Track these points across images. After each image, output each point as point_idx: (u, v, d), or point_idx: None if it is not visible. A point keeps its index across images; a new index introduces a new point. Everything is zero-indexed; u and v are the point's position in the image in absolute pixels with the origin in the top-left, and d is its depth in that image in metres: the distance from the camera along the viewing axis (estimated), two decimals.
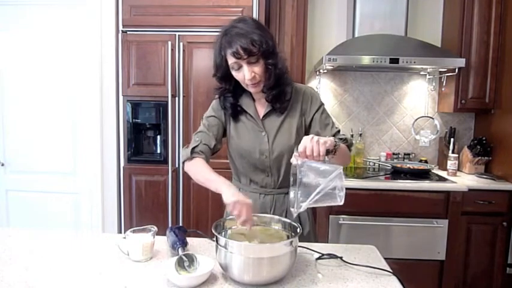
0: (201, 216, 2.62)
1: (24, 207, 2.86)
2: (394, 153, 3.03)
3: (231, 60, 1.30)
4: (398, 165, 2.82)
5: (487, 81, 2.68)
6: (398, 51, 2.53)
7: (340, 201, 1.07)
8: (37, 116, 2.79)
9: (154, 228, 1.27)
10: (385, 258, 1.26)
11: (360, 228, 2.44)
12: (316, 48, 2.99)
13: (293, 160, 1.12)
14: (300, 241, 1.18)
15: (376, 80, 3.05)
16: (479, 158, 2.73)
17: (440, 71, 2.88)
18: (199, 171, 1.34)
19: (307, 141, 1.11)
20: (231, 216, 1.25)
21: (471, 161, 2.76)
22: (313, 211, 1.56)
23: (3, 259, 1.21)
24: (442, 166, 2.92)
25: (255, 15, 2.48)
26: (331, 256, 1.24)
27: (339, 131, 1.44)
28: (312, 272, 1.15)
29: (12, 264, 1.18)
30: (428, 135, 2.99)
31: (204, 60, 2.54)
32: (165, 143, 2.62)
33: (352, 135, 3.00)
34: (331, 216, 2.45)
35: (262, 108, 1.44)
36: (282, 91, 1.39)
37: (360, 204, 2.43)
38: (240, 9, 2.49)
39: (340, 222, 2.44)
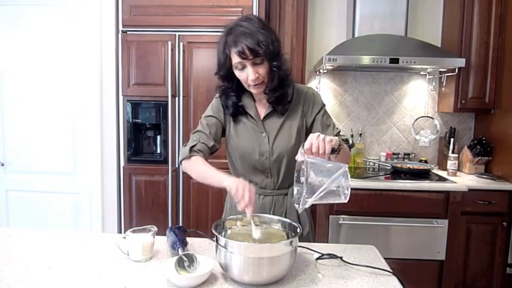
0: (201, 216, 2.62)
1: (24, 207, 2.86)
2: (394, 153, 3.03)
3: (235, 59, 1.29)
4: (398, 165, 2.82)
5: (487, 81, 2.68)
6: (398, 51, 2.53)
7: (344, 199, 1.07)
8: (37, 116, 2.79)
9: (154, 228, 1.27)
10: (385, 258, 1.26)
11: (360, 228, 2.44)
12: (316, 48, 2.99)
13: (298, 157, 1.12)
14: (299, 241, 1.18)
15: (376, 80, 3.05)
16: (479, 158, 2.73)
17: (440, 71, 2.88)
18: (199, 169, 1.34)
19: (313, 139, 1.11)
20: (231, 216, 1.26)
21: (471, 161, 2.76)
22: (312, 212, 1.56)
23: (3, 259, 1.21)
24: (442, 166, 2.92)
25: None
26: (331, 256, 1.24)
27: (339, 132, 1.44)
28: (312, 272, 1.15)
29: (12, 264, 1.18)
30: (428, 135, 2.99)
31: (204, 60, 2.54)
32: (165, 143, 2.62)
33: (352, 135, 3.00)
34: (331, 216, 2.45)
35: (263, 109, 1.44)
36: (285, 93, 1.38)
37: (360, 204, 2.44)
38: (240, 9, 2.49)
39: (340, 222, 2.44)
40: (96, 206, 2.77)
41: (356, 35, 2.79)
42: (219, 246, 1.07)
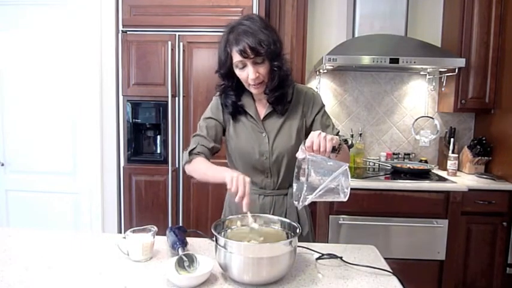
0: (201, 216, 2.62)
1: (24, 207, 2.86)
2: (394, 153, 3.03)
3: (236, 58, 1.29)
4: (399, 165, 2.82)
5: (487, 81, 2.68)
6: (398, 51, 2.53)
7: (344, 198, 1.07)
8: (37, 116, 2.79)
9: (154, 228, 1.27)
10: (385, 258, 1.26)
11: (360, 228, 2.44)
12: (316, 48, 2.99)
13: (299, 154, 1.12)
14: (299, 242, 1.18)
15: (376, 80, 3.05)
16: (479, 158, 2.73)
17: (440, 71, 2.88)
18: (200, 169, 1.35)
19: (314, 136, 1.12)
20: (230, 216, 1.26)
21: (471, 161, 2.76)
22: (312, 212, 1.56)
23: (3, 259, 1.21)
24: (442, 166, 2.92)
25: None
26: (331, 256, 1.24)
27: (338, 133, 1.44)
28: (312, 272, 1.15)
29: (12, 264, 1.18)
30: (428, 135, 2.99)
31: (204, 60, 2.54)
32: (165, 143, 2.62)
33: (352, 135, 3.00)
34: (331, 216, 2.45)
35: (262, 109, 1.44)
36: (284, 93, 1.38)
37: (360, 204, 2.43)
38: (240, 9, 2.49)
39: (340, 222, 2.44)
40: (96, 206, 2.77)
41: (356, 35, 2.79)
42: (218, 246, 1.07)
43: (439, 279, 2.48)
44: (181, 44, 2.52)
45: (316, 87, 2.99)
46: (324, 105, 1.47)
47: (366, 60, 2.50)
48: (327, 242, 2.28)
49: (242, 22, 1.30)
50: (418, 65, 2.58)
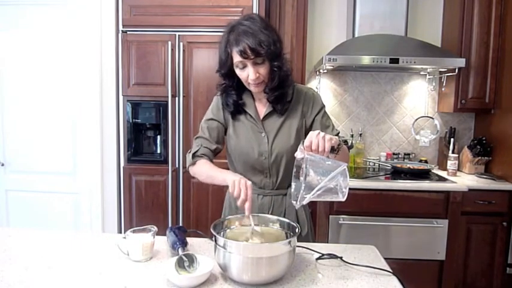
0: (201, 216, 2.62)
1: (24, 207, 2.86)
2: (394, 153, 3.03)
3: (236, 58, 1.29)
4: (399, 165, 2.82)
5: (487, 81, 2.68)
6: (398, 51, 2.53)
7: (342, 198, 1.07)
8: (37, 116, 2.79)
9: (154, 228, 1.27)
10: (385, 258, 1.26)
11: (360, 228, 2.44)
12: (316, 48, 2.99)
13: (298, 154, 1.12)
14: (298, 242, 1.18)
15: (376, 80, 3.05)
16: (479, 158, 2.73)
17: (440, 71, 2.88)
18: (204, 172, 1.36)
19: (313, 136, 1.12)
20: (230, 216, 1.26)
21: (471, 161, 2.76)
22: (312, 212, 1.56)
23: (3, 259, 1.21)
24: (442, 166, 2.92)
25: None
26: (331, 256, 1.24)
27: (338, 133, 1.44)
28: (312, 272, 1.15)
29: (12, 264, 1.18)
30: (428, 135, 2.99)
31: (204, 60, 2.54)
32: (165, 143, 2.62)
33: (352, 135, 3.00)
34: (331, 216, 2.45)
35: (262, 109, 1.44)
36: (284, 92, 1.39)
37: (360, 204, 2.43)
38: (240, 9, 2.49)
39: (340, 222, 2.44)
40: (96, 206, 2.77)
41: (356, 35, 2.79)
42: (217, 246, 1.07)
43: (439, 279, 2.48)
44: (181, 44, 2.52)
45: (316, 87, 2.99)
46: (324, 106, 1.47)
47: (366, 60, 2.50)
48: (327, 242, 2.28)
49: (242, 22, 1.30)
50: (418, 65, 2.58)
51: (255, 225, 1.17)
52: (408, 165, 2.83)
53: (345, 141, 1.35)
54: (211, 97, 1.52)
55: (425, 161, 2.96)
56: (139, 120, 2.63)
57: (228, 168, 1.54)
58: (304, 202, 1.08)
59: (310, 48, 2.93)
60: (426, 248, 2.45)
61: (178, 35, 2.53)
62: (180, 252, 1.17)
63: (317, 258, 1.24)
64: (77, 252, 1.28)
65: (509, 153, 2.54)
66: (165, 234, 1.34)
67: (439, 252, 2.45)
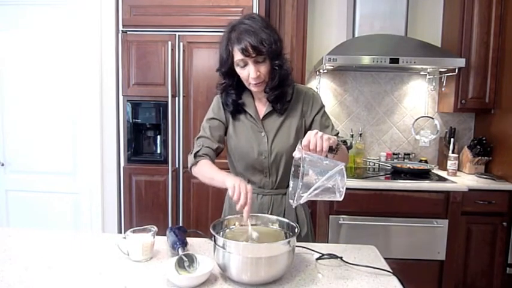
0: (201, 216, 2.62)
1: (24, 207, 2.86)
2: (394, 153, 3.03)
3: (237, 56, 1.29)
4: (399, 165, 2.82)
5: (487, 81, 2.68)
6: (398, 51, 2.53)
7: (339, 197, 1.07)
8: (37, 116, 2.79)
9: (154, 228, 1.27)
10: (385, 258, 1.26)
11: (360, 228, 2.44)
12: (316, 48, 2.99)
13: (296, 153, 1.12)
14: (298, 242, 1.18)
15: (376, 80, 3.05)
16: (479, 158, 2.73)
17: (440, 71, 2.88)
18: (204, 173, 1.35)
19: (311, 135, 1.12)
20: (229, 216, 1.26)
21: (471, 161, 2.76)
22: (312, 212, 1.56)
23: (3, 259, 1.21)
24: (442, 166, 2.92)
25: None
26: (331, 256, 1.24)
27: (338, 134, 1.44)
28: (312, 272, 1.15)
29: (12, 264, 1.18)
30: (428, 135, 2.99)
31: (204, 60, 2.54)
32: (165, 143, 2.62)
33: (352, 135, 3.00)
34: (331, 216, 2.45)
35: (262, 108, 1.44)
36: (284, 92, 1.39)
37: (360, 204, 2.43)
38: (240, 9, 2.49)
39: (340, 222, 2.44)
40: (96, 206, 2.77)
41: (356, 35, 2.79)
42: (217, 246, 1.07)
43: (439, 279, 2.48)
44: (181, 44, 2.52)
45: (316, 87, 2.99)
46: (323, 106, 1.48)
47: (366, 60, 2.50)
48: (327, 242, 2.28)
49: (243, 21, 1.30)
50: (418, 65, 2.58)
51: (252, 225, 1.17)
52: (408, 165, 2.83)
53: (344, 142, 1.35)
54: (211, 97, 1.52)
55: (425, 161, 2.96)
56: (139, 120, 2.63)
57: (228, 168, 1.54)
58: (301, 201, 1.08)
59: (310, 48, 2.93)
60: (426, 248, 2.45)
61: (178, 35, 2.53)
62: (180, 252, 1.17)
63: (317, 258, 1.24)
64: (77, 252, 1.28)
65: (509, 153, 2.54)
66: (165, 234, 1.34)
67: (439, 252, 2.45)
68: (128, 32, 2.57)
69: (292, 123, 1.43)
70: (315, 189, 1.06)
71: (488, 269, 2.52)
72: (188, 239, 1.32)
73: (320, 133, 1.13)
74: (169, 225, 2.21)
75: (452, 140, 2.81)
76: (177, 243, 1.22)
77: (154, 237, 1.25)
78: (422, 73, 3.00)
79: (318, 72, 2.96)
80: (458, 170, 2.80)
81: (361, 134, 3.02)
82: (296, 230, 1.14)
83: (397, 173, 2.74)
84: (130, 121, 2.62)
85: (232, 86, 1.40)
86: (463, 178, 2.65)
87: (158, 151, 2.70)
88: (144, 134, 2.70)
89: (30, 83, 2.78)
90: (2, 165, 2.86)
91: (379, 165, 2.94)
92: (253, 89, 1.36)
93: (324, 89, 3.05)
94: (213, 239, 1.09)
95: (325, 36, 3.02)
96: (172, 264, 1.08)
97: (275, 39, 1.30)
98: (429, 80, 3.01)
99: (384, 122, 3.08)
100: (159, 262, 1.21)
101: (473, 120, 3.03)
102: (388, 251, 2.40)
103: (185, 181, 2.61)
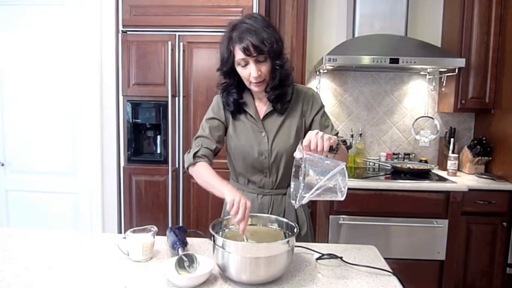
0: (201, 216, 2.62)
1: (24, 207, 2.86)
2: (394, 153, 3.03)
3: (239, 55, 1.29)
4: (399, 165, 2.82)
5: (487, 81, 2.68)
6: (398, 51, 2.53)
7: (341, 197, 1.07)
8: (37, 116, 2.79)
9: (154, 228, 1.27)
10: (385, 258, 1.26)
11: (360, 228, 2.44)
12: (316, 48, 2.99)
13: (297, 153, 1.12)
14: (297, 242, 1.18)
15: (376, 80, 3.05)
16: (479, 158, 2.73)
17: (440, 71, 2.88)
18: (203, 176, 1.34)
19: (312, 136, 1.12)
20: (228, 216, 1.25)
21: (471, 161, 2.76)
22: (312, 212, 1.56)
23: (3, 259, 1.21)
24: (442, 166, 2.92)
25: None
26: (331, 256, 1.24)
27: (337, 134, 1.44)
28: (312, 272, 1.15)
29: (12, 264, 1.18)
30: (428, 135, 2.99)
31: (204, 60, 2.54)
32: (165, 143, 2.62)
33: (352, 135, 3.00)
34: (331, 216, 2.45)
35: (262, 108, 1.44)
36: (285, 92, 1.39)
37: (360, 204, 2.43)
38: (240, 9, 2.49)
39: (340, 222, 2.44)
40: (96, 206, 2.77)
41: (356, 35, 2.79)
42: (216, 246, 1.07)
43: (439, 279, 2.48)
44: (181, 44, 2.52)
45: (316, 87, 2.99)
46: (323, 106, 1.48)
47: (366, 60, 2.50)
48: (327, 242, 2.28)
49: (244, 21, 1.31)
50: (418, 65, 2.58)
51: (251, 225, 1.17)
52: (408, 165, 2.83)
53: (344, 141, 1.35)
54: (211, 97, 1.52)
55: (425, 161, 2.96)
56: (139, 120, 2.63)
57: (227, 168, 1.54)
58: (303, 201, 1.08)
59: (310, 48, 2.93)
60: (426, 248, 2.45)
61: (178, 35, 2.53)
62: (180, 252, 1.17)
63: (317, 258, 1.24)
64: (77, 252, 1.28)
65: (509, 153, 2.54)
66: (165, 234, 1.34)
67: (439, 252, 2.45)
68: (128, 32, 2.57)
69: (293, 123, 1.43)
70: (317, 190, 1.06)
71: (488, 269, 2.52)
72: (188, 239, 1.32)
73: (320, 133, 1.13)
74: (169, 225, 2.20)
75: (452, 140, 2.81)
76: (177, 243, 1.22)
77: (154, 237, 1.25)
78: (422, 73, 3.00)
79: (318, 72, 2.96)
80: (458, 170, 2.80)
81: (361, 134, 3.02)
82: (295, 229, 1.14)
83: (397, 173, 2.74)
84: (130, 121, 2.62)
85: (233, 85, 1.40)
86: (463, 178, 2.65)
87: (158, 151, 2.70)
88: (144, 134, 2.70)
89: (30, 83, 2.78)
90: (2, 165, 2.86)
91: (379, 165, 2.94)
92: (253, 88, 1.36)
93: (324, 89, 3.05)
94: (212, 238, 1.09)
95: (325, 36, 3.02)
96: (172, 264, 1.09)
97: (276, 39, 1.30)
98: (429, 80, 3.01)
99: (384, 122, 3.08)
100: (159, 262, 1.21)
101: (473, 120, 3.03)
102: (388, 251, 2.40)
103: (185, 181, 2.61)
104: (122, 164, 2.66)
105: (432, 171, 2.80)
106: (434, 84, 3.02)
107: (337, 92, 3.07)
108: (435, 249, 2.45)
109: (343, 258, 1.22)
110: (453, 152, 2.78)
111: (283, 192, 1.46)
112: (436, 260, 2.46)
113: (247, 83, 1.36)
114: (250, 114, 1.43)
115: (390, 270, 1.17)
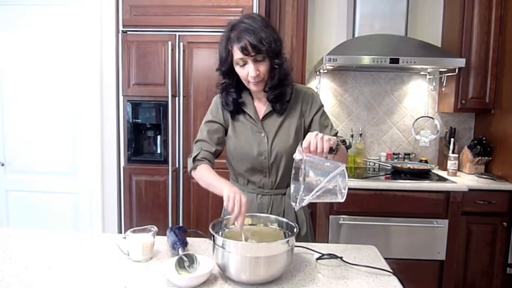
0: (201, 216, 2.62)
1: (24, 207, 2.86)
2: (394, 153, 3.03)
3: (237, 55, 1.29)
4: (399, 165, 2.82)
5: (487, 81, 2.68)
6: (399, 51, 2.53)
7: (341, 198, 1.07)
8: (37, 116, 2.79)
9: (155, 228, 1.27)
10: (385, 258, 1.26)
11: (360, 228, 2.44)
12: (316, 48, 2.99)
13: (296, 155, 1.12)
14: (297, 242, 1.18)
15: (376, 80, 3.05)
16: (479, 158, 2.73)
17: (440, 71, 2.88)
18: (204, 178, 1.36)
19: (311, 137, 1.12)
20: (228, 216, 1.26)
21: (471, 161, 2.76)
22: (312, 212, 1.56)
23: (3, 259, 1.21)
24: (442, 166, 2.92)
25: None
26: (331, 256, 1.24)
27: (337, 133, 1.44)
28: (312, 272, 1.15)
29: (12, 264, 1.18)
30: (429, 135, 2.99)
31: (204, 60, 2.54)
32: (165, 143, 2.62)
33: (352, 135, 3.00)
34: (331, 216, 2.45)
35: (261, 109, 1.44)
36: (284, 91, 1.39)
37: (360, 204, 2.43)
38: (240, 9, 2.49)
39: (340, 222, 2.44)
40: (96, 206, 2.77)
41: (356, 35, 2.79)
42: (216, 245, 1.07)
43: (439, 279, 2.48)
44: (181, 44, 2.52)
45: (316, 87, 2.99)
46: (322, 106, 1.48)
47: (366, 60, 2.50)
48: (327, 242, 2.28)
49: (243, 20, 1.31)
50: (418, 65, 2.58)
51: (251, 224, 1.17)
52: (408, 165, 2.83)
53: (343, 141, 1.35)
54: (211, 97, 1.52)
55: (426, 161, 2.96)
56: (139, 120, 2.63)
57: (227, 168, 1.54)
58: (304, 203, 1.08)
59: (310, 48, 2.93)
60: (426, 248, 2.45)
61: (178, 35, 2.53)
62: (180, 252, 1.17)
63: (317, 258, 1.24)
64: (77, 252, 1.28)
65: (509, 153, 2.54)
66: (165, 234, 1.34)
67: (439, 252, 2.45)
68: (128, 32, 2.57)
69: (292, 123, 1.43)
70: (317, 191, 1.05)
71: (488, 269, 2.52)
72: (188, 239, 1.32)
73: (320, 134, 1.13)
74: (169, 225, 2.21)
75: (452, 140, 2.81)
76: (177, 243, 1.22)
77: (154, 237, 1.25)
78: (422, 73, 3.00)
79: (318, 72, 2.96)
80: (458, 170, 2.80)
81: (361, 134, 3.02)
82: (295, 229, 1.14)
83: (397, 173, 2.74)
84: (131, 121, 2.62)
85: (232, 85, 1.40)
86: (463, 178, 2.65)
87: (158, 151, 2.70)
88: (144, 134, 2.70)
89: (31, 83, 2.78)
90: (2, 165, 2.86)
91: (379, 165, 2.94)
92: (252, 87, 1.36)
93: (324, 89, 3.05)
94: (212, 238, 1.09)
95: (325, 36, 3.02)
96: (173, 264, 1.09)
97: (274, 39, 1.30)
98: (429, 80, 3.01)
99: (384, 122, 3.08)
100: (159, 262, 1.21)
101: (473, 120, 3.03)
102: (388, 251, 2.40)
103: (185, 181, 2.61)
104: (122, 164, 2.66)
105: (432, 171, 2.80)
106: (434, 84, 3.02)
107: (337, 92, 3.07)
108: (435, 249, 2.45)
109: (343, 258, 1.22)
110: (453, 152, 2.77)
111: (282, 192, 1.46)
112: (436, 260, 2.46)
113: (245, 83, 1.36)
114: (249, 115, 1.43)
115: (390, 270, 1.17)
